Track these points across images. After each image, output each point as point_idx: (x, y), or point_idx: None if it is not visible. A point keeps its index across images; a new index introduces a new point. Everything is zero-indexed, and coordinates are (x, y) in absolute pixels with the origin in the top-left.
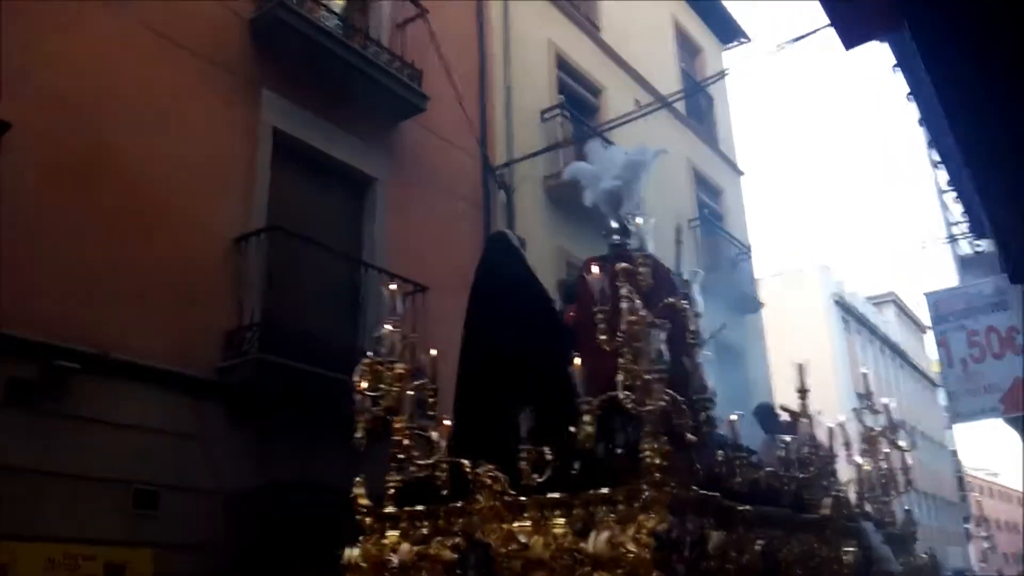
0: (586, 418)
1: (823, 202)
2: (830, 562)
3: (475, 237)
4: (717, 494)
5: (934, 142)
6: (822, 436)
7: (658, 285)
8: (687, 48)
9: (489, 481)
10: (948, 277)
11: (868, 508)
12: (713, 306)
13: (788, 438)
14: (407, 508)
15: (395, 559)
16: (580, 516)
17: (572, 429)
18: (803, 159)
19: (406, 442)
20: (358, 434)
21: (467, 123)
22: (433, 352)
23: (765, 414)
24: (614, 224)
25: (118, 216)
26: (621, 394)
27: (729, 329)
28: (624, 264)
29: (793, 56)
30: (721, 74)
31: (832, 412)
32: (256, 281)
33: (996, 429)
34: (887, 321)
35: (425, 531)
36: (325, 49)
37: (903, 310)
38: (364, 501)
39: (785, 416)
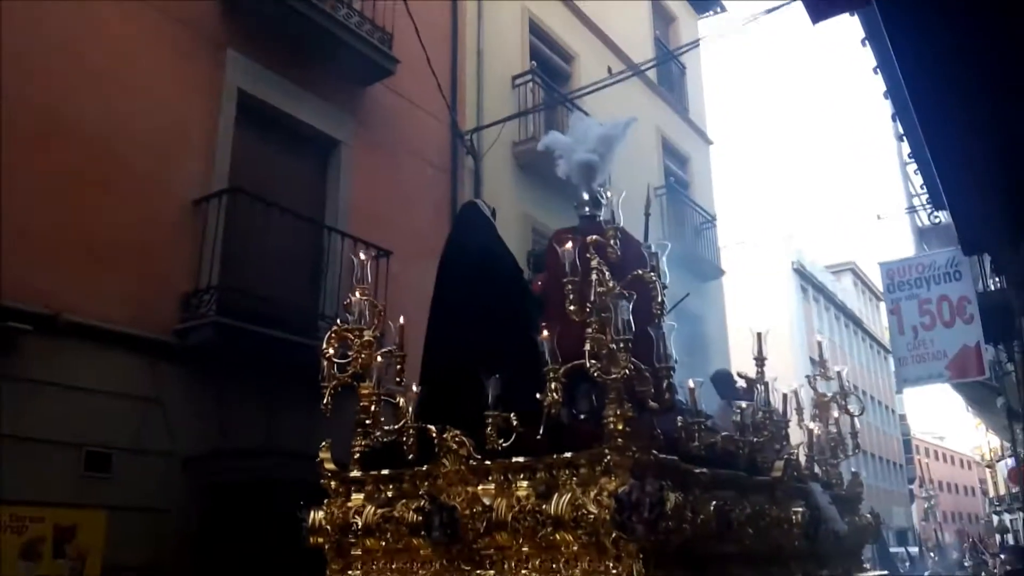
0: (552, 385)
1: (788, 171)
2: (780, 522)
3: (441, 202)
4: (676, 458)
5: (898, 115)
6: (776, 401)
7: (627, 257)
8: (662, 16)
9: (455, 446)
10: (906, 247)
11: (817, 471)
12: (676, 273)
13: (744, 404)
14: (372, 472)
15: (359, 521)
16: (543, 479)
17: (538, 396)
18: (771, 129)
19: (373, 408)
20: (324, 401)
21: (437, 88)
22: (402, 320)
23: (722, 380)
24: (585, 196)
25: (74, 176)
26: (588, 362)
27: (691, 296)
28: (595, 236)
29: (766, 27)
30: (694, 43)
31: (787, 376)
32: (216, 243)
33: (945, 394)
34: (844, 289)
35: (390, 494)
36: (293, 10)
37: (861, 279)
38: (330, 465)
39: (741, 382)
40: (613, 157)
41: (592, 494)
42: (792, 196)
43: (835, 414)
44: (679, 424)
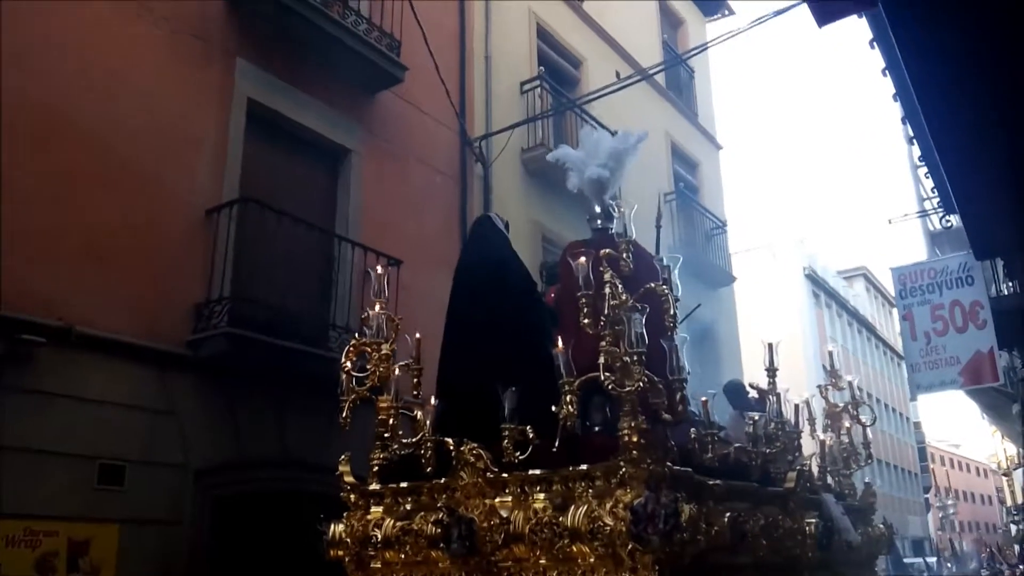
0: (567, 398)
1: (798, 176)
2: (793, 532)
3: (451, 210)
4: (689, 469)
5: (908, 118)
6: (788, 412)
7: (639, 269)
8: (670, 19)
9: (472, 459)
10: (918, 251)
11: (830, 481)
12: (687, 281)
13: (756, 415)
14: (391, 485)
15: (379, 534)
16: (559, 492)
17: (553, 409)
18: (781, 132)
19: (391, 421)
20: (344, 415)
21: (445, 94)
22: (418, 335)
23: (735, 391)
24: (597, 209)
25: (87, 188)
26: (602, 375)
27: (702, 303)
28: (608, 250)
29: (774, 30)
30: (703, 47)
31: (799, 383)
32: (227, 253)
33: (959, 401)
34: (857, 295)
35: (409, 507)
36: (302, 18)
37: (873, 284)
38: (349, 478)
39: (754, 393)
40: (624, 171)
41: (608, 506)
42: (803, 201)
43: (847, 424)
44: (693, 436)
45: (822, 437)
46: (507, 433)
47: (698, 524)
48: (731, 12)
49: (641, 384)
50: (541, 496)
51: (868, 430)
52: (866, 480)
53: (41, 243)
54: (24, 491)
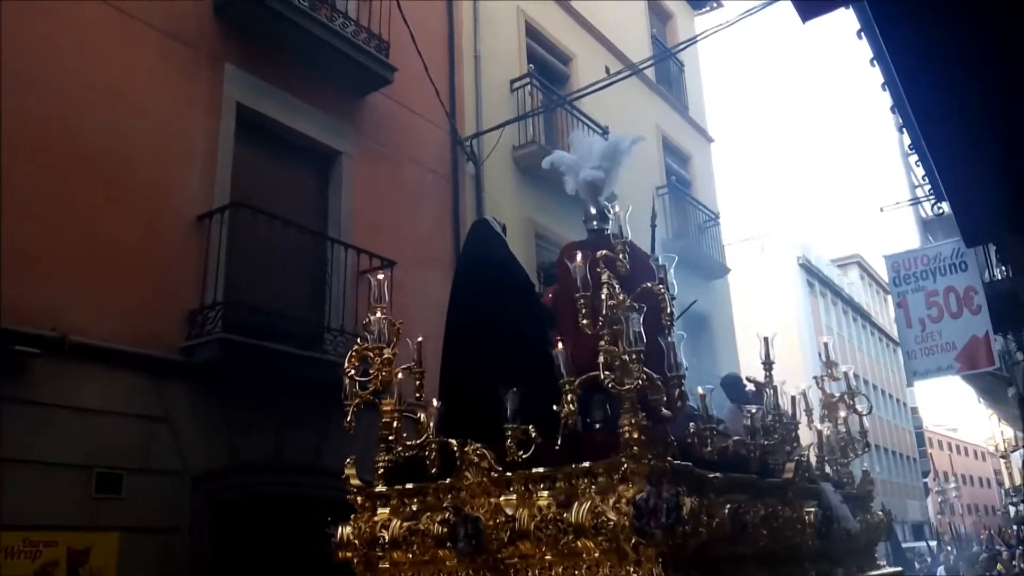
0: (568, 397)
1: (791, 165)
2: (793, 522)
3: (443, 209)
4: (690, 463)
5: (897, 106)
6: (785, 404)
7: (635, 268)
8: (658, 14)
9: (476, 459)
10: (911, 238)
11: (828, 470)
12: (681, 274)
13: (754, 408)
14: (397, 487)
15: (386, 535)
16: (563, 489)
17: (555, 407)
18: (772, 123)
19: (395, 424)
20: (348, 419)
21: (435, 94)
22: (420, 338)
23: (732, 384)
24: (593, 210)
25: (77, 195)
26: (601, 374)
27: (697, 296)
28: (604, 251)
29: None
30: (692, 40)
31: (796, 372)
32: (220, 258)
33: (956, 386)
34: (851, 283)
35: (415, 507)
36: (290, 22)
37: (867, 271)
38: (355, 481)
39: (751, 386)
40: (619, 173)
41: (611, 501)
42: (796, 190)
43: (843, 414)
44: (692, 430)
45: (819, 427)
46: (510, 433)
47: (699, 517)
48: (719, 5)
49: (640, 382)
50: (545, 493)
51: (865, 419)
52: (864, 468)
53: (33, 253)
54: (22, 502)
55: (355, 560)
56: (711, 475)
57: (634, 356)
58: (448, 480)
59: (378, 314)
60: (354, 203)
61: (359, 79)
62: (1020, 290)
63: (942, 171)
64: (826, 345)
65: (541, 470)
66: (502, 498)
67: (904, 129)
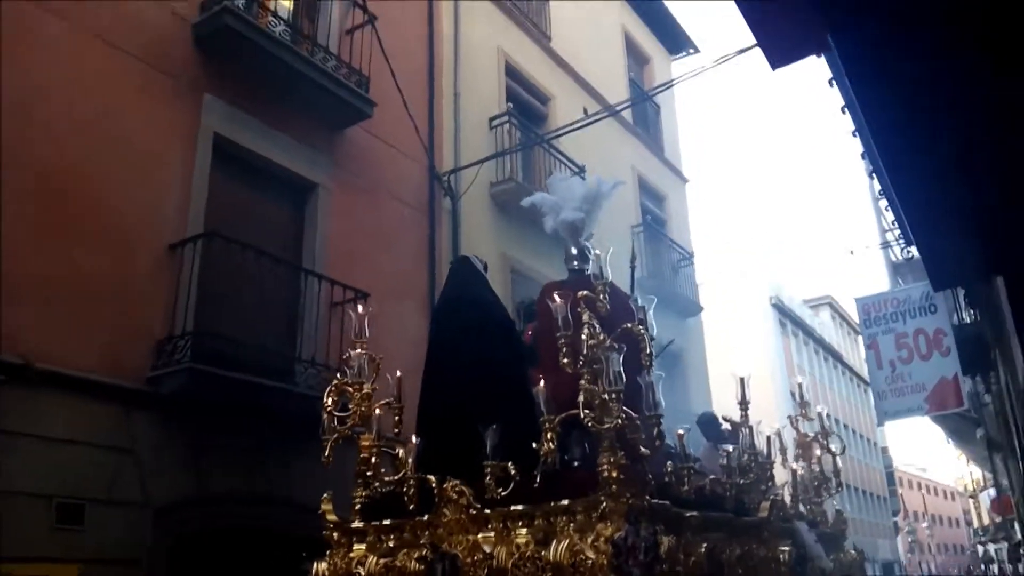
0: (548, 435)
1: (764, 207)
2: (768, 561)
3: (419, 243)
4: (667, 502)
5: (867, 153)
6: (761, 443)
7: (616, 309)
8: (636, 57)
9: (455, 495)
10: (881, 281)
11: (802, 509)
12: (657, 312)
13: (730, 447)
14: (374, 523)
15: (363, 571)
16: (541, 526)
17: (534, 445)
18: (745, 165)
19: (373, 459)
20: (326, 454)
21: (414, 129)
22: (399, 373)
23: (708, 423)
24: (573, 251)
25: (47, 222)
26: (581, 412)
27: (672, 334)
28: (585, 292)
29: (738, 67)
30: (668, 84)
31: (769, 410)
32: (191, 288)
33: (926, 427)
34: (823, 323)
35: (392, 544)
36: (270, 55)
37: (839, 312)
38: (331, 516)
39: (727, 426)
40: (599, 214)
41: (589, 540)
42: (769, 231)
43: (817, 452)
44: (669, 469)
45: (794, 466)
46: (489, 469)
47: (676, 556)
48: (696, 50)
49: (620, 421)
50: (523, 531)
51: (838, 458)
52: (836, 507)
53: (0, 279)
54: None
55: None
56: (688, 514)
57: (614, 395)
58: (426, 517)
59: (358, 349)
60: (329, 235)
61: (338, 112)
62: (987, 333)
63: (910, 217)
64: (800, 385)
65: (520, 507)
66: (480, 535)
67: (874, 175)
